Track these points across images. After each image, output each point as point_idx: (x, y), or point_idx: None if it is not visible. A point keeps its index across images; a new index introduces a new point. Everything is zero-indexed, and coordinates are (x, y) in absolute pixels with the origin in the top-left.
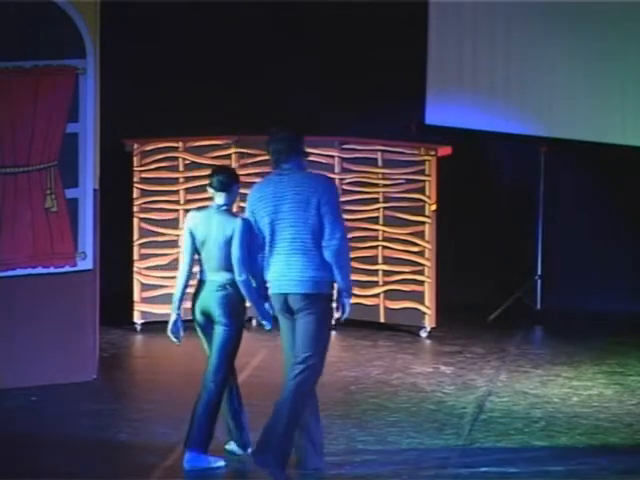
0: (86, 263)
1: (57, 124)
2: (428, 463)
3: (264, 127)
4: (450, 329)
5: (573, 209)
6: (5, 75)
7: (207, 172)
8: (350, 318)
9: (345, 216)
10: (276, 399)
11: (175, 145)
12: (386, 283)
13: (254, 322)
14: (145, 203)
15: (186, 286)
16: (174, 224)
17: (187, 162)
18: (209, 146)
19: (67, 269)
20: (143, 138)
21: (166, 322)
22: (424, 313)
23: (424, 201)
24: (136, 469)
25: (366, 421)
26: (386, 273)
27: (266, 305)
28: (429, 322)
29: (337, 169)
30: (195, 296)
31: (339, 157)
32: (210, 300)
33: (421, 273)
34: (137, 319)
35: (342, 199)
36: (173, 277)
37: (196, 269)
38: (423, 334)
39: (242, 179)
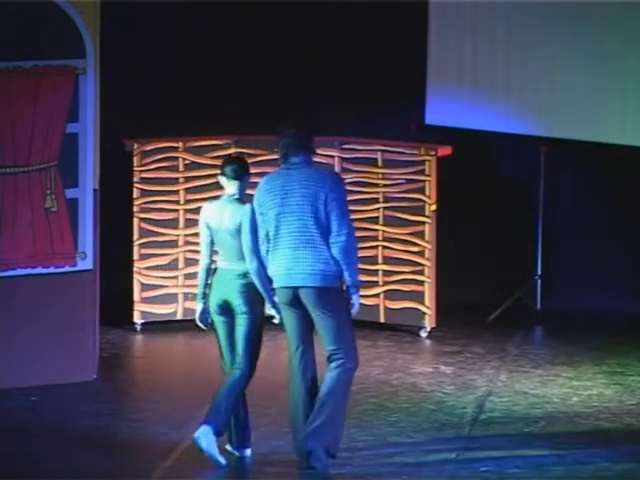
0: (86, 263)
1: (57, 124)
2: (428, 463)
3: (264, 127)
4: (450, 329)
5: (573, 209)
6: (5, 75)
7: (207, 172)
8: None
9: None
10: (276, 399)
11: (175, 145)
12: (386, 283)
13: None
14: (145, 203)
15: (208, 278)
16: (174, 224)
17: (187, 162)
18: (209, 146)
19: (67, 269)
20: (143, 138)
21: (166, 322)
22: (424, 313)
23: (424, 201)
24: (136, 469)
25: (366, 421)
26: (386, 273)
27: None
28: (429, 322)
29: (337, 169)
30: (214, 286)
31: (339, 157)
32: (230, 289)
33: (421, 273)
34: (137, 319)
35: None
36: (173, 277)
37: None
38: (423, 334)
39: None
